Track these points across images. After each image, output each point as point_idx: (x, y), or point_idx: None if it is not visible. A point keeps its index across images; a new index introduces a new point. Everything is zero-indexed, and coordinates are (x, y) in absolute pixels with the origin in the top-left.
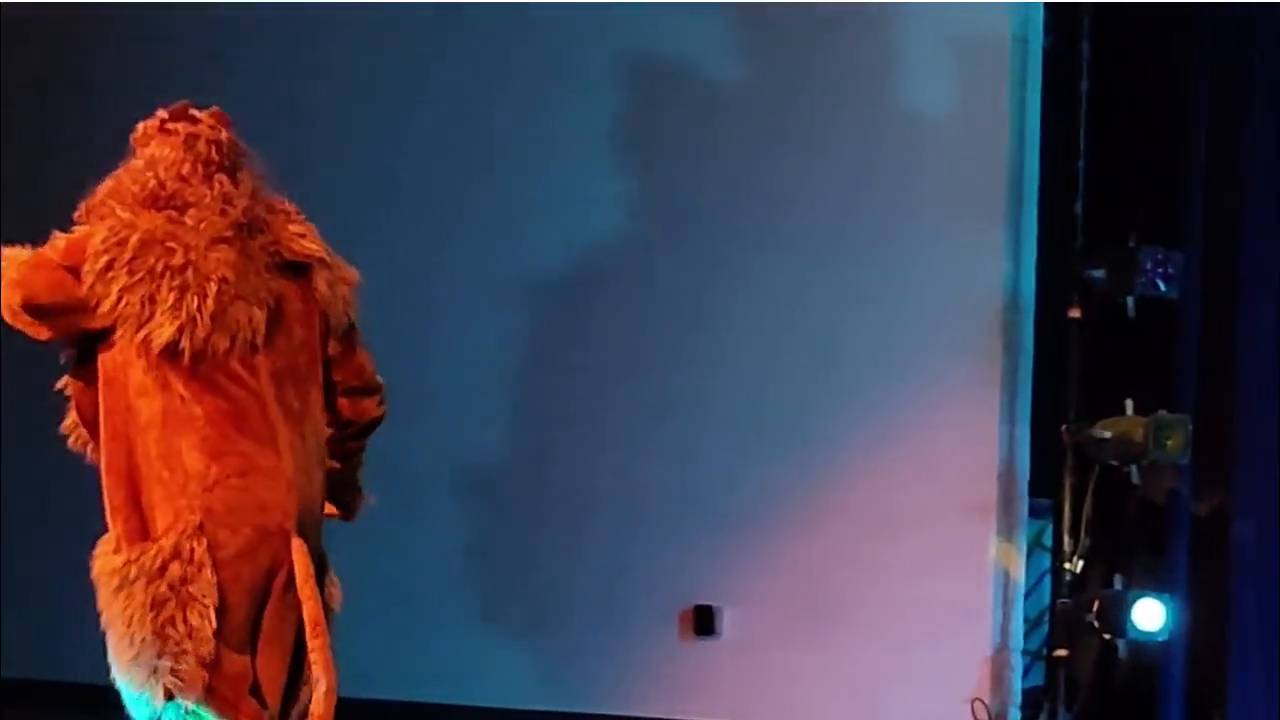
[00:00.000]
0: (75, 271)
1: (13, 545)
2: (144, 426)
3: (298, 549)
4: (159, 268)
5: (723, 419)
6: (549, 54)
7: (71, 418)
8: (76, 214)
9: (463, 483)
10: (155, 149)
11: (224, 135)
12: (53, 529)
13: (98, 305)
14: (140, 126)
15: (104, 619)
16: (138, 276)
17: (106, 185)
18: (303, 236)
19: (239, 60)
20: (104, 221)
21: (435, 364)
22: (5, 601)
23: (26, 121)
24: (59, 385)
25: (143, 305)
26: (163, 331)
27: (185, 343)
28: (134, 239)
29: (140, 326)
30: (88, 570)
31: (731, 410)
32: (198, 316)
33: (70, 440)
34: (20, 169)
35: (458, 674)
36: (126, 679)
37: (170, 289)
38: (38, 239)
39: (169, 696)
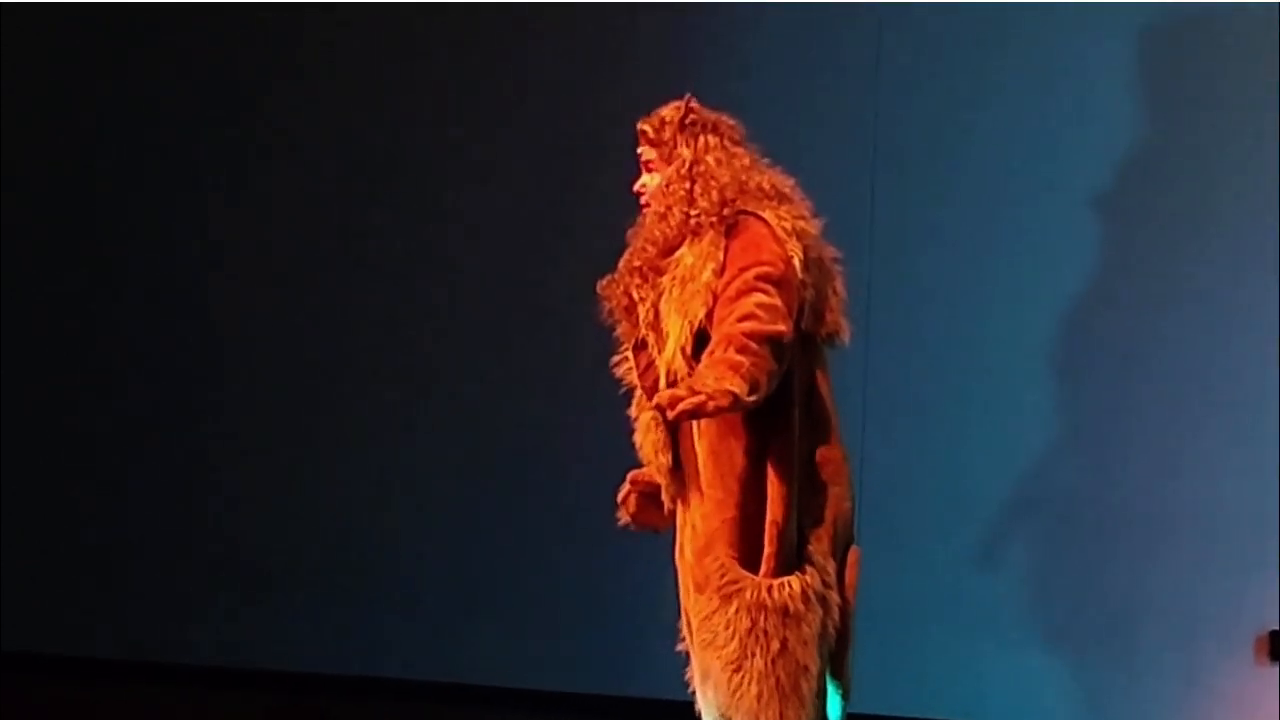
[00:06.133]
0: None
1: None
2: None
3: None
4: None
5: None
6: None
7: None
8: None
9: (1028, 501)
10: (713, 144)
11: (725, 117)
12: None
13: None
14: (649, 128)
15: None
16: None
17: (727, 185)
18: None
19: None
20: (769, 224)
21: (992, 379)
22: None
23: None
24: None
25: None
26: (844, 329)
27: (846, 336)
28: (812, 238)
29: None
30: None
31: None
32: (847, 309)
33: None
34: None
35: (1026, 695)
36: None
37: (838, 283)
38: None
39: None
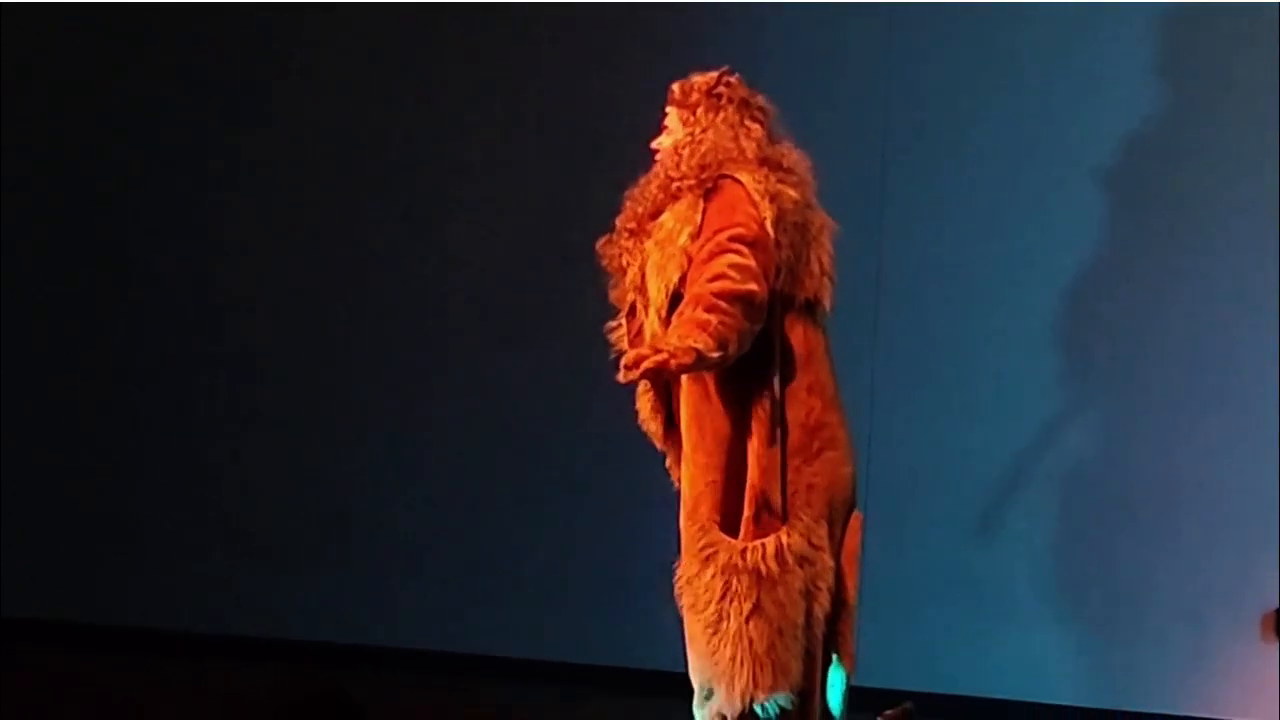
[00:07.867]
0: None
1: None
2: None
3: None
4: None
5: None
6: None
7: None
8: (676, 181)
9: (1036, 479)
10: (729, 118)
11: (760, 98)
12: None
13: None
14: (677, 88)
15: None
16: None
17: (709, 151)
18: None
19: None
20: (745, 186)
21: (1008, 360)
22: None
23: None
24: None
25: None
26: (826, 295)
27: (827, 303)
28: (792, 202)
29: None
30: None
31: None
32: (832, 276)
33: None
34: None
35: (1033, 670)
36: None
37: (823, 250)
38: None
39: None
